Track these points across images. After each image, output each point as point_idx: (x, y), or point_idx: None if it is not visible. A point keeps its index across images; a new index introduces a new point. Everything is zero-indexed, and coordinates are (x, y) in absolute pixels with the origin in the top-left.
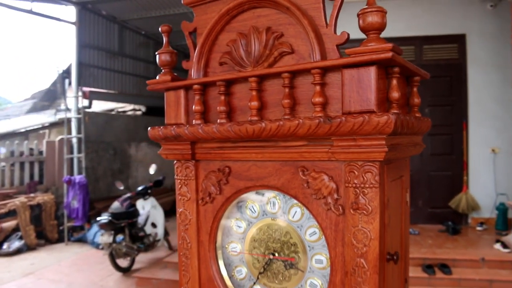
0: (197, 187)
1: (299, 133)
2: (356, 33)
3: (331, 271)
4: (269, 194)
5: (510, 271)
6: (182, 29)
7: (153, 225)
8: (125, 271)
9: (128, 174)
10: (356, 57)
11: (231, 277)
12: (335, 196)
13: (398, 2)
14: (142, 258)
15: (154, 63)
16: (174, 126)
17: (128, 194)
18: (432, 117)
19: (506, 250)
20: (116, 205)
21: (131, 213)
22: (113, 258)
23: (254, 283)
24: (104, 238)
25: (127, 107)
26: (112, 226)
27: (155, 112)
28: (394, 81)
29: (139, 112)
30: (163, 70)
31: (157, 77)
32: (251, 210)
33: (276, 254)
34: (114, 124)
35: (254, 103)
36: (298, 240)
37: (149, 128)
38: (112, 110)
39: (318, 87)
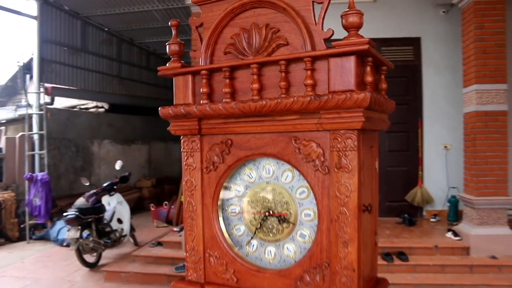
0: (201, 158)
1: (294, 108)
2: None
3: (318, 220)
4: (265, 162)
5: (460, 257)
6: (190, 24)
7: (119, 221)
8: (92, 266)
9: (91, 172)
10: (340, 49)
11: (230, 234)
12: (322, 159)
13: (359, 5)
14: (108, 254)
15: (118, 60)
16: (183, 106)
17: (94, 190)
18: (389, 115)
19: (457, 238)
20: (81, 201)
21: (98, 208)
22: (80, 253)
23: (252, 238)
24: (71, 233)
25: (90, 104)
26: (79, 222)
27: (119, 109)
28: (368, 68)
29: (101, 110)
30: (172, 58)
31: (167, 65)
32: (248, 176)
33: (271, 212)
34: (77, 121)
35: (255, 85)
36: (289, 198)
37: (159, 108)
38: (74, 107)
39: (309, 72)
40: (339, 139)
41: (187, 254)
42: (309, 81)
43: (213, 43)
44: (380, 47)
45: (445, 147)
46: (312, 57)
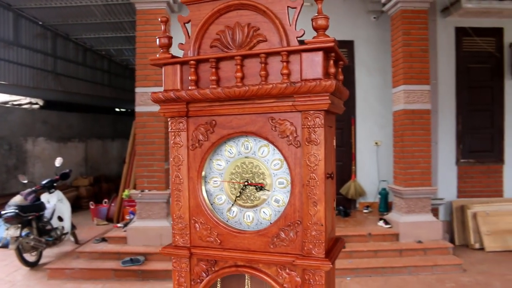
0: (188, 137)
1: (272, 93)
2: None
3: (291, 186)
4: (244, 139)
5: (391, 242)
6: (178, 21)
7: (60, 219)
8: (33, 265)
9: (25, 170)
10: (312, 45)
11: (212, 203)
12: (295, 135)
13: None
14: (48, 253)
15: (53, 55)
16: (173, 91)
17: (33, 188)
18: None
19: (388, 226)
20: (18, 199)
21: (38, 206)
22: (20, 252)
23: (232, 205)
24: (10, 232)
25: (23, 100)
26: (19, 220)
27: (54, 106)
28: (331, 62)
29: (36, 106)
30: (161, 50)
31: (157, 55)
32: (229, 152)
33: (249, 182)
34: (9, 118)
35: (239, 74)
36: (265, 170)
37: (150, 92)
38: (6, 102)
39: (285, 63)
40: (309, 118)
41: (174, 222)
42: (285, 71)
43: (201, 38)
44: None
45: (376, 143)
46: (288, 51)
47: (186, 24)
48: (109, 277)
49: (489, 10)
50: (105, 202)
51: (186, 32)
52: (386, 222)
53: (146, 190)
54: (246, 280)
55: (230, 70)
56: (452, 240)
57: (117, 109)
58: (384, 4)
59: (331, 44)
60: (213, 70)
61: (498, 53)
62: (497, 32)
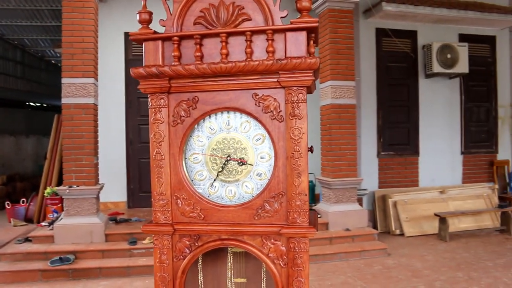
0: (168, 113)
1: (259, 69)
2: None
3: (275, 159)
4: (225, 116)
5: (321, 231)
6: None
7: None
8: None
9: None
10: (297, 25)
11: (192, 180)
12: (278, 110)
13: None
14: None
15: None
16: (156, 67)
17: None
18: None
19: (318, 216)
20: None
21: None
22: None
23: (214, 180)
24: None
25: None
26: None
27: None
28: (311, 42)
29: None
30: (142, 26)
31: (138, 30)
32: (210, 128)
33: (231, 157)
34: None
35: (224, 51)
36: (247, 144)
37: (131, 68)
38: None
39: (270, 41)
40: (293, 94)
41: (154, 200)
42: (271, 49)
43: (184, 15)
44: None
45: None
46: (274, 30)
47: (167, 1)
48: (36, 279)
49: (406, 13)
50: (23, 202)
51: (168, 9)
52: (317, 213)
53: (75, 186)
54: (228, 255)
55: (214, 48)
56: (375, 227)
57: (32, 104)
58: (312, 3)
59: (315, 24)
60: (198, 46)
61: (413, 54)
62: (412, 35)
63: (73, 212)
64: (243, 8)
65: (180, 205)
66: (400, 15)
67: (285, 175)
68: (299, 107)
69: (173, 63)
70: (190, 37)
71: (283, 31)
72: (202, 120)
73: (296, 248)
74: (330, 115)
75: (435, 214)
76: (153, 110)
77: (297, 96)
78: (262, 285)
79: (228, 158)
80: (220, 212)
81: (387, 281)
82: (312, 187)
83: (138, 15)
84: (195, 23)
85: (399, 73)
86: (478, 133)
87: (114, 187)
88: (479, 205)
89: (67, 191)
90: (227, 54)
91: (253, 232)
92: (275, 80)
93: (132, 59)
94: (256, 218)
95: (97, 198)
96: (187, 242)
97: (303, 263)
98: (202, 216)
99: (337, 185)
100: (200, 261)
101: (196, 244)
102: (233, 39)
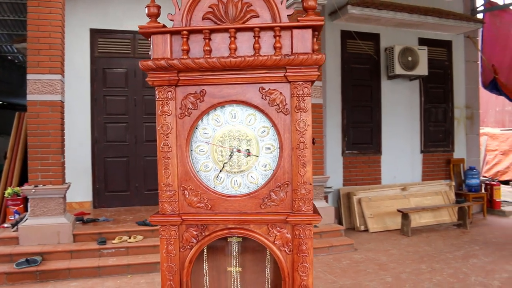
0: (176, 106)
1: (267, 64)
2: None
3: (281, 150)
4: (231, 108)
5: None
6: None
7: None
8: None
9: None
10: (304, 23)
11: (198, 171)
12: (284, 103)
13: None
14: None
15: None
16: (165, 59)
17: None
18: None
19: None
20: None
21: None
22: None
23: (220, 171)
24: None
25: None
26: None
27: None
28: (315, 39)
29: None
30: (150, 19)
31: (146, 24)
32: (216, 121)
33: (238, 149)
34: None
35: (233, 45)
36: (252, 136)
37: (140, 61)
38: None
39: (278, 38)
40: (298, 88)
41: (161, 191)
42: (278, 45)
43: (192, 10)
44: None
45: None
46: (281, 27)
47: None
48: (1, 282)
49: (370, 17)
50: None
51: (176, 3)
52: None
53: (41, 185)
54: (233, 245)
55: (222, 42)
56: (340, 224)
57: None
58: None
59: (321, 22)
60: (207, 41)
61: (376, 56)
62: (375, 37)
63: (39, 213)
64: (251, 5)
65: (187, 196)
66: (364, 18)
67: (290, 165)
68: (304, 100)
69: (182, 57)
70: (198, 31)
71: (290, 28)
72: (208, 112)
73: (301, 235)
74: None
75: (398, 210)
76: (160, 102)
77: (303, 90)
78: (266, 272)
79: (235, 150)
80: (227, 202)
81: (356, 274)
82: None
83: (146, 8)
84: (203, 18)
85: (362, 74)
86: (436, 133)
87: (79, 187)
88: (437, 201)
89: (33, 190)
90: (235, 49)
91: (260, 221)
92: (282, 74)
93: (98, 56)
94: (263, 207)
95: (64, 197)
96: (194, 232)
97: (308, 249)
98: (209, 206)
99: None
100: (205, 251)
101: (203, 234)
102: (241, 35)
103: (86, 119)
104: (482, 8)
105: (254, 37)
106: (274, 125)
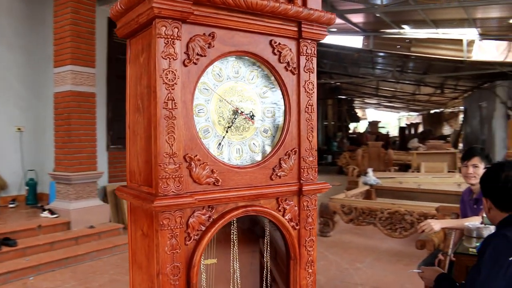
0: (181, 49)
1: (289, 13)
2: None
3: (288, 113)
4: (233, 62)
5: (64, 232)
6: None
7: None
8: None
9: None
10: None
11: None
12: (294, 61)
13: None
14: None
15: None
16: None
17: None
18: None
19: (54, 216)
20: None
21: None
22: None
23: (223, 137)
24: None
25: None
26: None
27: None
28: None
29: None
30: None
31: None
32: (218, 75)
33: (240, 111)
34: None
35: None
36: (255, 96)
37: None
38: None
39: None
40: (308, 47)
41: (162, 164)
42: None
43: None
44: None
45: (19, 129)
46: None
47: None
48: None
49: None
50: None
51: None
52: (52, 212)
53: None
54: (232, 227)
55: None
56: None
57: None
58: None
59: None
60: None
61: None
62: None
63: None
64: None
65: (194, 169)
66: None
67: (297, 130)
68: (312, 61)
69: None
70: None
71: None
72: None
73: (309, 206)
74: (69, 103)
75: None
76: (164, 41)
77: (311, 50)
78: (265, 255)
79: (239, 111)
80: (238, 175)
81: None
82: (33, 186)
83: None
84: None
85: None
86: None
87: None
88: None
89: None
90: None
91: (271, 194)
92: (294, 29)
93: None
94: (273, 178)
95: None
96: (203, 217)
97: (314, 220)
98: (220, 181)
99: (78, 180)
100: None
101: (213, 218)
102: None
103: None
104: None
105: None
106: (282, 84)
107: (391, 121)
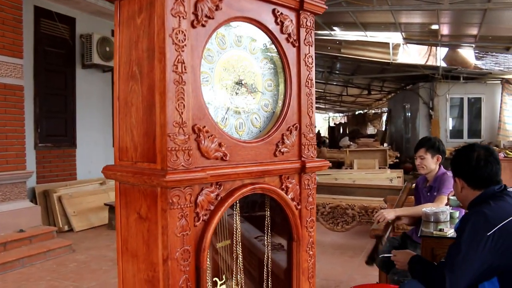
0: (190, 8)
1: None
2: None
3: (288, 87)
4: (235, 29)
5: None
6: None
7: None
8: None
9: None
10: None
11: None
12: (294, 33)
13: None
14: None
15: None
16: None
17: None
18: None
19: None
20: None
21: None
22: None
23: (227, 111)
24: None
25: None
26: None
27: None
28: None
29: None
30: None
31: None
32: (222, 41)
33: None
34: None
35: None
36: (256, 68)
37: None
38: None
39: None
40: (307, 19)
41: (172, 134)
42: None
43: None
44: None
45: None
46: None
47: None
48: None
49: None
50: None
51: None
52: None
53: None
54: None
55: None
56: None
57: None
58: None
59: None
60: None
61: (71, 41)
62: (71, 21)
63: None
64: None
65: (202, 142)
66: None
67: (298, 105)
68: (311, 34)
69: None
70: None
71: None
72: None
73: (310, 185)
74: None
75: (105, 204)
76: None
77: (310, 22)
78: (266, 239)
79: (242, 82)
80: (244, 150)
81: (95, 274)
82: None
83: None
84: None
85: (57, 59)
86: None
87: None
88: None
89: None
90: None
91: (276, 171)
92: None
93: None
94: (277, 154)
95: None
96: (212, 195)
97: (314, 200)
98: (228, 155)
99: (5, 180)
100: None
101: (220, 196)
102: None
103: None
104: None
105: None
106: (284, 56)
107: (319, 122)
